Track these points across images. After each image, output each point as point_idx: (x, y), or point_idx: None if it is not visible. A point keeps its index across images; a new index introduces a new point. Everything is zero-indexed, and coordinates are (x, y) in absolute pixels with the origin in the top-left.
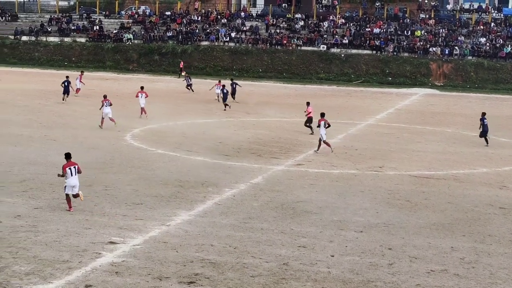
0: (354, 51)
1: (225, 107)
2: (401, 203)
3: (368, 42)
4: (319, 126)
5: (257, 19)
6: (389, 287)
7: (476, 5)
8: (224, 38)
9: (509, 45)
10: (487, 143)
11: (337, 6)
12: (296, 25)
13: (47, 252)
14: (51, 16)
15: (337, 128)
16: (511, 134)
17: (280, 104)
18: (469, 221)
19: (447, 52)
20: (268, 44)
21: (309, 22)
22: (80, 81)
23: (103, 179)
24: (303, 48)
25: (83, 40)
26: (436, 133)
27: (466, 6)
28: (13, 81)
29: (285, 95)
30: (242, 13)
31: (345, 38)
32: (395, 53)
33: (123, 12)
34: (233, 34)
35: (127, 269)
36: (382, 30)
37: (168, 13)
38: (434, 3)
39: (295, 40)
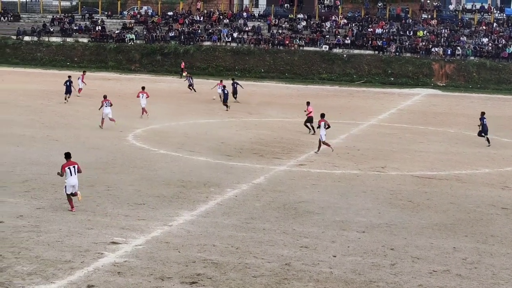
0: (356, 51)
1: (227, 107)
2: (403, 204)
3: (370, 42)
4: (319, 127)
5: (259, 19)
6: None
7: (478, 5)
8: (226, 38)
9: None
10: (489, 143)
11: (339, 6)
12: (298, 25)
13: (49, 252)
14: (53, 16)
15: (339, 128)
16: None
17: (282, 105)
18: (472, 222)
19: (449, 53)
20: (270, 45)
21: (311, 22)
22: (82, 81)
23: (105, 179)
24: (305, 48)
25: (85, 40)
26: (438, 133)
27: (468, 6)
28: (15, 81)
29: (287, 95)
30: (244, 14)
31: (347, 38)
32: (397, 54)
33: (125, 12)
34: (235, 35)
35: (129, 269)
36: (384, 31)
37: (170, 13)
38: (436, 3)
39: (297, 40)
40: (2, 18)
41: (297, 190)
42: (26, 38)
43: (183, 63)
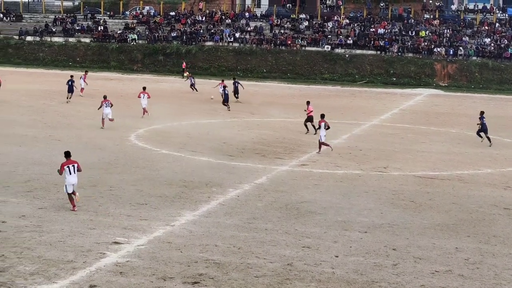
0: (358, 51)
1: (228, 107)
2: (406, 204)
3: (372, 42)
4: (319, 127)
5: (261, 20)
6: None
7: (480, 6)
8: (229, 38)
9: None
10: (490, 142)
11: (341, 7)
12: (301, 25)
13: (51, 252)
14: (55, 16)
15: (342, 128)
16: None
17: (284, 105)
18: (474, 222)
19: (451, 53)
20: (272, 45)
21: (314, 22)
22: (84, 81)
23: (108, 180)
24: (308, 48)
25: (87, 40)
26: (440, 133)
27: (471, 6)
28: (17, 81)
29: (289, 95)
30: (247, 14)
31: (350, 38)
32: (399, 54)
33: (127, 13)
34: (237, 35)
35: (132, 269)
36: (386, 31)
37: (172, 13)
38: (438, 3)
39: (300, 40)
40: (4, 18)
41: (299, 190)
42: (29, 38)
43: (184, 63)
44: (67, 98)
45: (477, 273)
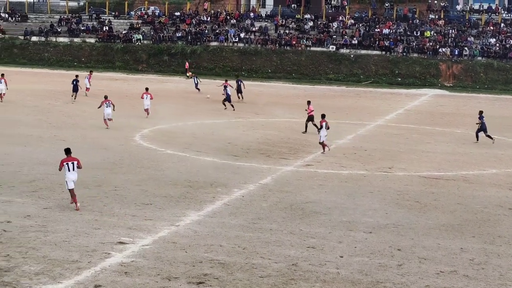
0: (363, 51)
1: (225, 106)
2: (411, 204)
3: (377, 42)
4: (321, 127)
5: (266, 20)
6: None
7: (485, 6)
8: (233, 38)
9: None
10: (492, 139)
11: (346, 7)
12: (305, 25)
13: (56, 252)
14: (60, 16)
15: (346, 128)
16: None
17: (289, 105)
18: (479, 222)
19: (456, 53)
20: (277, 45)
21: (318, 22)
22: (89, 81)
23: (113, 180)
24: (312, 48)
25: (92, 40)
26: (445, 134)
27: (476, 6)
28: (23, 81)
29: (294, 95)
30: (251, 14)
31: (355, 38)
32: (404, 54)
33: (132, 13)
34: (242, 35)
35: (136, 269)
36: (391, 31)
37: (177, 13)
38: (443, 3)
39: (304, 40)
40: (9, 18)
41: (304, 190)
42: (34, 38)
43: (187, 63)
44: (72, 96)
45: (482, 274)
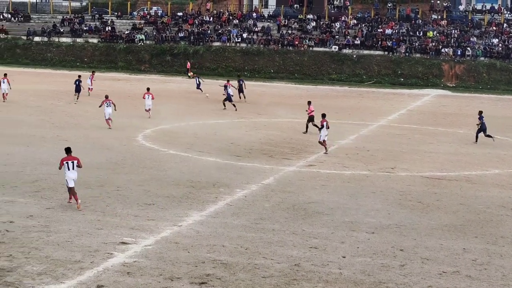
0: (366, 52)
1: (224, 106)
2: (413, 204)
3: (380, 43)
4: (322, 127)
5: (268, 20)
6: None
7: (488, 6)
8: (236, 39)
9: None
10: (492, 137)
11: (349, 7)
12: (308, 26)
13: (59, 252)
14: (63, 16)
15: (349, 129)
16: None
17: (291, 105)
18: (481, 223)
19: (459, 53)
20: (279, 45)
21: (321, 23)
22: (91, 81)
23: (115, 180)
24: (315, 49)
25: (95, 40)
26: (448, 134)
27: (479, 7)
28: (25, 81)
29: (296, 96)
30: (254, 14)
31: (357, 39)
32: (407, 54)
33: (135, 13)
34: (244, 35)
35: (139, 269)
36: (394, 31)
37: (180, 14)
38: (446, 4)
39: (307, 41)
40: (12, 18)
41: (306, 190)
42: (36, 39)
43: (188, 63)
44: (74, 96)
45: (485, 274)
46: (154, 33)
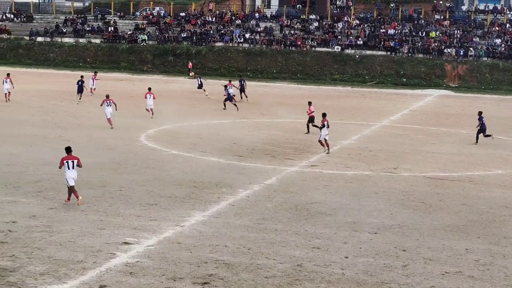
0: (368, 52)
1: (224, 107)
2: (416, 205)
3: (382, 43)
4: (323, 126)
5: (271, 20)
6: None
7: (491, 6)
8: (238, 39)
9: None
10: (491, 136)
11: (351, 7)
12: (311, 26)
13: (61, 252)
14: (66, 17)
15: (352, 129)
16: None
17: (294, 105)
18: (484, 223)
19: (462, 53)
20: (282, 45)
21: (324, 23)
22: (93, 81)
23: (118, 180)
24: (318, 49)
25: (98, 41)
26: (450, 134)
27: (481, 7)
28: (28, 82)
29: (299, 96)
30: (256, 14)
31: (360, 39)
32: (409, 54)
33: (137, 13)
34: (247, 35)
35: (141, 269)
36: (396, 31)
37: (182, 14)
38: (449, 4)
39: (309, 41)
40: (15, 19)
41: (309, 191)
42: (39, 39)
43: (190, 63)
44: (78, 96)
45: (487, 275)
46: (157, 33)
